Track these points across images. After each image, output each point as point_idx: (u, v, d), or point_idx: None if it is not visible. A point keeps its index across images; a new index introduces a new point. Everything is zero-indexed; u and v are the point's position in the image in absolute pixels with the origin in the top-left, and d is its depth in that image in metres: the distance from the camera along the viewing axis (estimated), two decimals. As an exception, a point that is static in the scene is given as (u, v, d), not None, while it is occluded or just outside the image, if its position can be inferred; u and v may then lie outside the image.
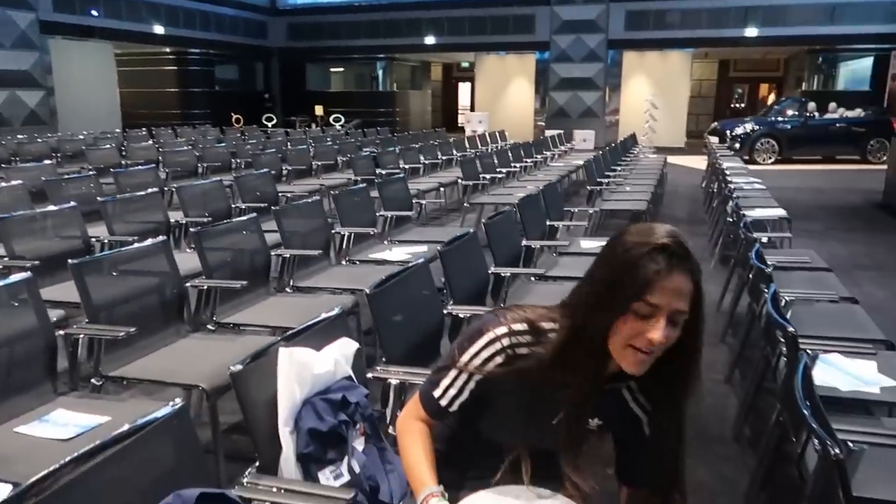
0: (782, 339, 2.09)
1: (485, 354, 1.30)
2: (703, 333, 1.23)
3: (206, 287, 2.98)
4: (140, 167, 6.41)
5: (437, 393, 1.36)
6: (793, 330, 1.78)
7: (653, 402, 1.34)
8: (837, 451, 1.17)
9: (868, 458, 1.33)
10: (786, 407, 2.00)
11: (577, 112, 18.03)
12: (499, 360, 1.29)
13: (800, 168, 13.59)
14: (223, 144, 9.80)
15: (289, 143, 10.20)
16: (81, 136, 11.19)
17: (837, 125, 14.23)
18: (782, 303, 2.69)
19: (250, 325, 3.02)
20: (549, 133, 13.78)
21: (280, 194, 5.86)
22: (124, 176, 5.74)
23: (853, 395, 2.23)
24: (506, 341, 1.29)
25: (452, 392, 1.34)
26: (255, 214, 3.52)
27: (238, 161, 8.58)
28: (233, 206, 5.18)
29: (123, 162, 8.17)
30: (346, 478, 1.58)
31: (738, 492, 2.48)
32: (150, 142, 10.76)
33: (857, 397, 2.25)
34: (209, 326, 2.96)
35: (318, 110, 20.29)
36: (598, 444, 1.40)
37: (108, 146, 9.01)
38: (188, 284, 2.93)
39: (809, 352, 2.11)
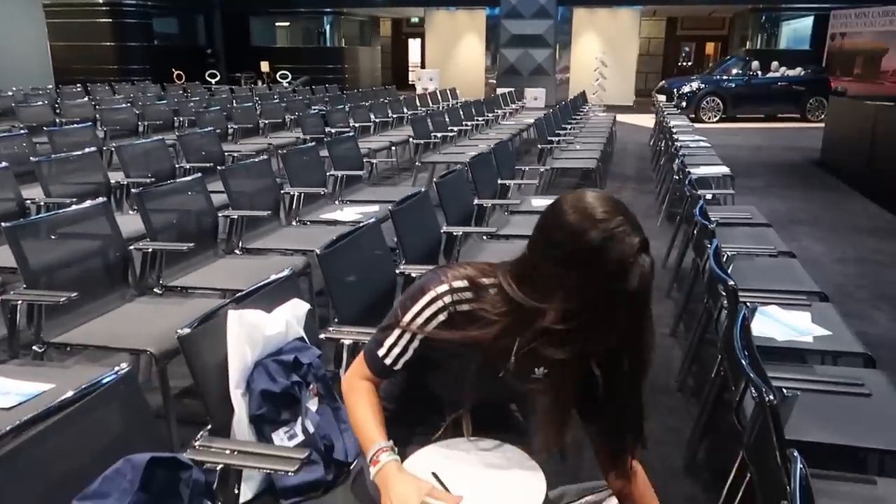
0: (723, 293, 2.16)
1: (427, 313, 1.31)
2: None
3: (150, 250, 2.90)
4: (76, 125, 6.12)
5: (381, 352, 1.37)
6: (733, 283, 1.84)
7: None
8: (772, 397, 1.22)
9: (801, 403, 1.40)
10: (726, 357, 2.09)
11: (528, 70, 17.95)
12: (441, 317, 1.31)
13: (743, 126, 13.92)
14: (164, 102, 9.43)
15: (234, 101, 9.90)
16: (10, 93, 10.60)
17: (779, 84, 14.58)
18: (724, 258, 2.78)
19: (199, 288, 2.96)
20: (500, 91, 13.72)
21: (226, 154, 5.70)
22: (59, 135, 5.49)
23: (789, 344, 2.34)
24: (447, 299, 1.30)
25: (396, 351, 1.36)
26: (199, 174, 3.42)
27: (181, 119, 8.29)
28: (177, 166, 5.02)
29: (58, 120, 7.80)
30: (301, 438, 1.58)
31: (683, 440, 2.59)
32: (86, 99, 10.28)
33: (793, 346, 2.35)
34: (156, 290, 2.89)
35: (264, 67, 19.68)
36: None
37: (40, 103, 8.57)
38: (132, 247, 2.85)
39: (749, 304, 2.19)
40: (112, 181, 4.37)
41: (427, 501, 1.25)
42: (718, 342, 2.24)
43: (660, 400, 2.94)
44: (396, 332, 1.35)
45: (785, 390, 1.58)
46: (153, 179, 4.23)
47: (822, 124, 9.80)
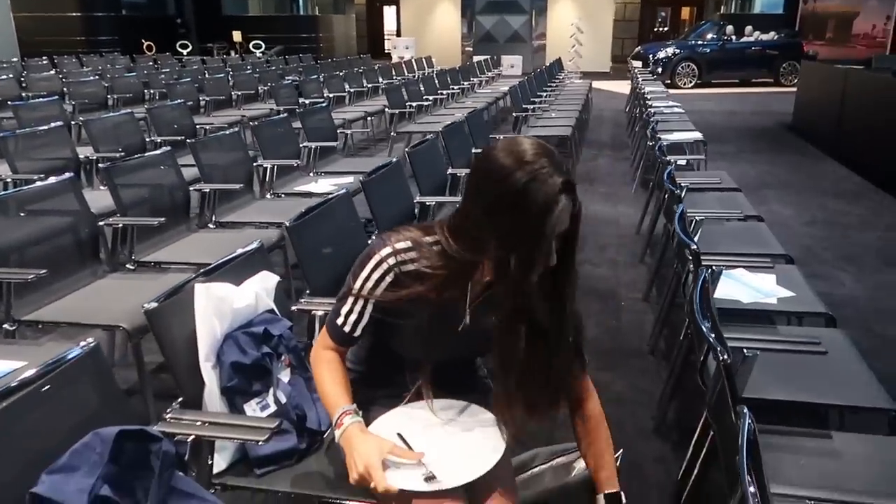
0: (690, 257, 2.20)
1: (375, 276, 1.35)
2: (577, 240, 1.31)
3: (121, 225, 2.88)
4: (42, 99, 5.99)
5: (339, 321, 1.41)
6: (696, 247, 1.88)
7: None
8: (725, 356, 1.27)
9: (761, 362, 1.45)
10: (692, 320, 2.14)
11: (505, 37, 17.78)
12: (388, 279, 1.35)
13: (717, 91, 13.97)
14: (134, 74, 9.22)
15: (206, 72, 9.71)
16: (-27, 67, 10.31)
17: (752, 48, 14.61)
18: (691, 223, 2.82)
19: (172, 262, 2.95)
20: (476, 58, 13.59)
21: (198, 126, 5.62)
22: (25, 109, 5.36)
23: (754, 306, 2.39)
24: (391, 261, 1.34)
25: (353, 318, 1.40)
26: (169, 148, 3.38)
27: (151, 92, 8.13)
28: (147, 139, 4.94)
29: (23, 94, 7.61)
30: (273, 408, 1.60)
31: (653, 401, 2.66)
32: (53, 72, 10.02)
33: (758, 308, 2.41)
34: (128, 266, 2.87)
35: (237, 36, 19.25)
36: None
37: (4, 77, 8.35)
38: (102, 223, 2.82)
39: (714, 268, 2.23)
40: (81, 156, 4.29)
41: (389, 458, 1.29)
42: (685, 305, 2.29)
43: (632, 363, 3.01)
44: (350, 299, 1.39)
45: (745, 350, 1.63)
46: (123, 154, 4.17)
47: (795, 89, 9.87)
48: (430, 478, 1.27)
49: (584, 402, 1.46)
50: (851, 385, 1.82)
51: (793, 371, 1.88)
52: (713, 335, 1.37)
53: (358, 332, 1.42)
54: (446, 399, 1.48)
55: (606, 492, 1.42)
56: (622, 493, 1.43)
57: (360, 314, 1.40)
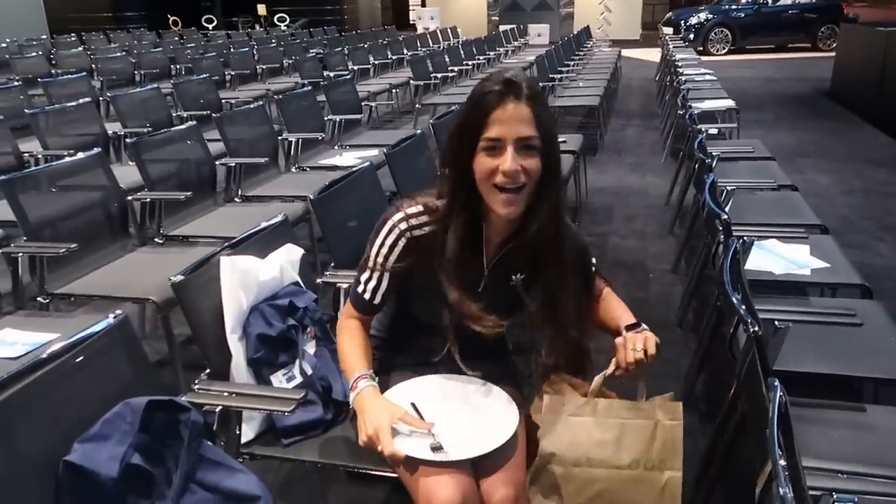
0: (719, 227, 2.15)
1: (388, 242, 1.37)
2: (559, 163, 1.30)
3: (149, 200, 2.91)
4: (71, 76, 6.05)
5: (360, 289, 1.43)
6: (727, 217, 1.84)
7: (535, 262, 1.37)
8: (756, 328, 1.24)
9: (793, 334, 1.41)
10: (722, 291, 2.10)
11: (531, 5, 17.45)
12: (401, 244, 1.36)
13: (752, 58, 13.58)
14: (160, 50, 9.27)
15: (231, 47, 9.72)
16: (4, 45, 10.45)
17: (789, 12, 14.13)
18: (722, 192, 2.75)
19: (199, 236, 2.98)
20: (502, 28, 13.38)
21: (224, 101, 5.64)
22: (55, 86, 5.43)
23: (786, 277, 2.34)
24: (403, 225, 1.35)
25: (372, 285, 1.42)
26: (194, 123, 3.39)
27: (177, 67, 8.17)
28: (174, 115, 4.98)
29: (53, 71, 7.70)
30: (299, 379, 1.61)
31: (681, 373, 2.63)
32: (81, 48, 10.12)
33: (791, 280, 2.36)
34: (157, 240, 2.91)
35: (261, 10, 19.20)
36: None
37: (34, 54, 8.45)
38: (130, 198, 2.85)
39: (746, 238, 2.18)
40: (109, 132, 4.34)
41: (399, 426, 1.30)
42: (715, 277, 2.25)
43: (660, 335, 2.96)
44: (368, 268, 1.40)
45: (777, 322, 1.59)
46: (150, 129, 4.20)
47: (833, 53, 9.54)
48: (437, 448, 1.27)
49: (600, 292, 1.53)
50: (887, 357, 1.77)
51: (826, 343, 1.84)
52: (744, 307, 1.34)
53: (378, 300, 1.43)
54: (468, 376, 1.47)
55: (626, 324, 1.44)
56: (641, 322, 1.46)
57: (379, 281, 1.41)
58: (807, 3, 14.14)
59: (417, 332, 1.52)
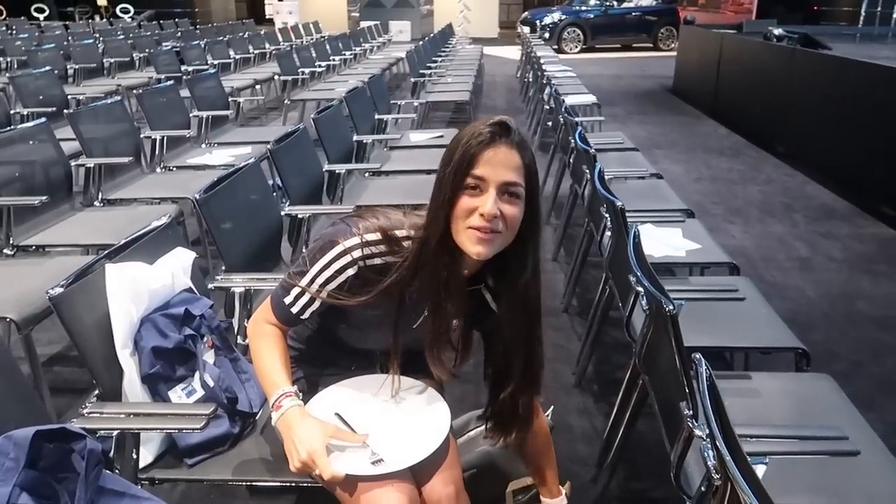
0: (607, 214, 2.25)
1: (336, 266, 1.25)
2: (540, 215, 1.25)
3: (-6, 207, 2.58)
4: None
5: (287, 300, 1.30)
6: (621, 204, 1.92)
7: (503, 294, 1.32)
8: (671, 307, 1.29)
9: (684, 312, 1.49)
10: (613, 275, 2.19)
11: (392, 2, 17.46)
12: (350, 272, 1.25)
13: (602, 56, 14.42)
14: (-15, 41, 8.31)
15: (70, 38, 8.90)
16: None
17: (633, 14, 15.16)
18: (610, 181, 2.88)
19: (58, 245, 2.70)
20: (364, 24, 13.27)
21: (70, 97, 5.15)
22: None
23: (665, 259, 2.49)
24: (357, 253, 1.24)
25: (304, 301, 1.30)
26: (44, 120, 3.06)
27: (8, 60, 7.36)
28: (12, 112, 4.47)
29: None
30: (200, 393, 1.49)
31: (572, 357, 2.73)
32: None
33: (666, 261, 2.51)
34: (6, 252, 2.60)
35: (101, 0, 17.79)
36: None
37: None
38: (-29, 205, 2.52)
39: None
40: (-67, 132, 3.81)
41: (332, 443, 1.23)
42: (603, 262, 2.35)
43: (547, 321, 3.06)
44: (305, 281, 1.28)
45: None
46: (-15, 128, 3.74)
47: (673, 53, 10.35)
48: (377, 461, 1.22)
49: (536, 420, 1.47)
50: (764, 328, 1.94)
51: (709, 318, 1.97)
52: (654, 287, 1.40)
53: (306, 316, 1.32)
54: (378, 374, 1.43)
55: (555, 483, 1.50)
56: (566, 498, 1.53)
57: (312, 299, 1.29)
58: (648, 6, 15.24)
59: (339, 348, 1.45)
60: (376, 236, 1.24)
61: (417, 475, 1.28)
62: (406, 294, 1.26)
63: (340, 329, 1.41)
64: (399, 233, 1.26)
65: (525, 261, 1.26)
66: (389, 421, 1.33)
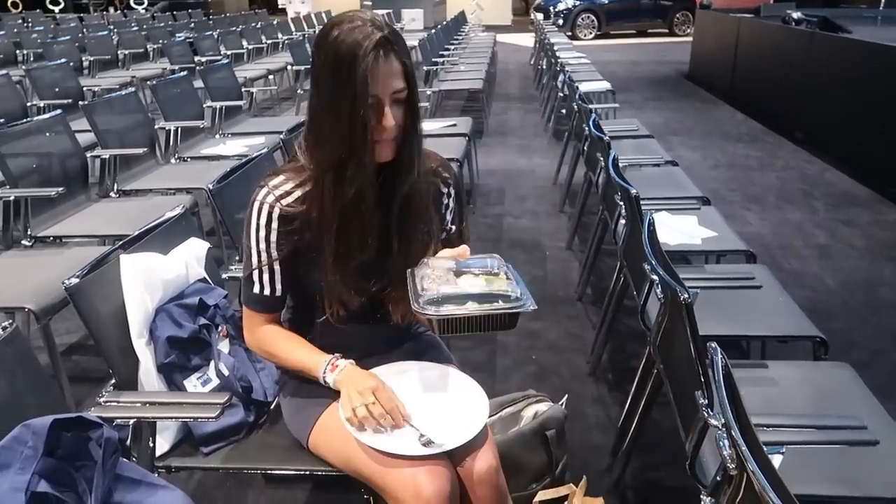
0: (621, 202, 2.23)
1: (262, 221, 1.28)
2: (418, 104, 1.28)
3: (12, 198, 2.61)
4: None
5: (255, 289, 1.33)
6: (636, 192, 1.90)
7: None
8: (686, 296, 1.28)
9: (701, 300, 1.47)
10: (628, 263, 2.18)
11: (404, -11, 17.36)
12: (275, 214, 1.28)
13: (617, 42, 14.27)
14: (2, 33, 8.38)
15: (85, 30, 8.96)
16: None
17: (648, -1, 14.97)
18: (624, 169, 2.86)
19: (74, 236, 2.73)
20: (377, 12, 13.21)
21: (85, 89, 5.18)
22: None
23: (680, 247, 2.47)
24: (270, 199, 1.28)
25: (266, 277, 1.32)
26: (60, 112, 3.08)
27: (24, 53, 7.42)
28: (29, 104, 4.51)
29: None
30: (215, 382, 1.51)
31: (586, 346, 2.72)
32: None
33: (682, 249, 2.49)
34: (24, 242, 2.63)
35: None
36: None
37: None
38: (-11, 196, 2.55)
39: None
40: (-48, 124, 3.86)
41: (378, 427, 1.25)
42: (618, 251, 2.33)
43: (562, 310, 3.06)
44: (254, 257, 1.31)
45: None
46: (2, 121, 3.77)
47: (689, 38, 10.21)
48: (427, 442, 1.23)
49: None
50: (781, 316, 1.91)
51: (726, 307, 1.95)
52: (668, 275, 1.38)
53: (279, 290, 1.33)
54: (405, 362, 1.43)
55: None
56: None
57: (272, 270, 1.31)
58: (663, -10, 15.04)
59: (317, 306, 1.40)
60: (280, 178, 1.30)
61: (454, 455, 1.28)
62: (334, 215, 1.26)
63: (311, 284, 1.35)
64: (296, 164, 1.30)
65: (414, 149, 1.29)
66: (430, 403, 1.33)
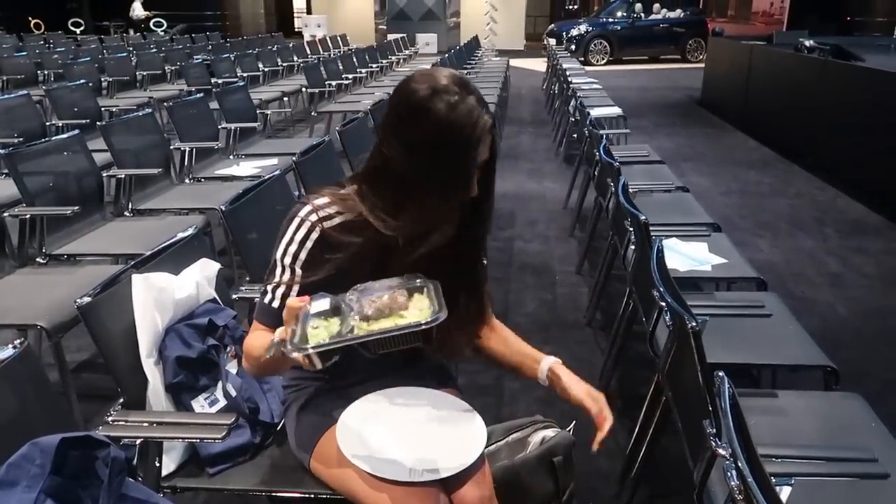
0: (631, 228, 2.23)
1: (299, 237, 1.27)
2: (494, 170, 1.31)
3: (29, 216, 2.65)
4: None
5: (267, 299, 1.28)
6: (645, 218, 1.90)
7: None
8: (694, 324, 1.28)
9: (710, 328, 1.47)
10: (637, 289, 2.17)
11: (419, 14, 17.61)
12: (314, 236, 1.26)
13: (629, 68, 14.37)
14: (24, 54, 8.55)
15: (105, 51, 9.13)
16: None
17: (661, 25, 15.08)
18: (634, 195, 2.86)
19: (88, 254, 2.76)
20: (391, 37, 13.39)
21: (103, 109, 5.27)
22: None
23: (690, 274, 2.46)
24: (313, 217, 1.26)
25: (282, 291, 1.27)
26: (77, 131, 3.13)
27: (45, 73, 7.56)
28: (47, 123, 4.59)
29: None
30: (223, 403, 1.51)
31: (595, 371, 2.70)
32: (-71, 52, 9.14)
33: (692, 276, 2.48)
34: (39, 260, 2.66)
35: (141, 12, 18.18)
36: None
37: None
38: (6, 214, 2.59)
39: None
40: (-27, 143, 3.93)
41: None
42: (627, 276, 2.32)
43: (570, 335, 3.05)
44: (278, 270, 1.28)
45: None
46: (22, 140, 3.84)
47: (701, 64, 10.25)
48: (422, 469, 1.23)
49: (489, 320, 1.49)
50: (791, 345, 1.90)
51: (735, 334, 1.94)
52: (676, 302, 1.38)
53: None
54: (405, 387, 1.43)
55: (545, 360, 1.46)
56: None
57: (290, 287, 1.26)
58: (675, 17, 15.15)
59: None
60: (325, 200, 1.29)
61: (448, 483, 1.28)
62: (376, 246, 1.27)
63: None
64: (343, 191, 1.30)
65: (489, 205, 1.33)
66: (427, 429, 1.33)
